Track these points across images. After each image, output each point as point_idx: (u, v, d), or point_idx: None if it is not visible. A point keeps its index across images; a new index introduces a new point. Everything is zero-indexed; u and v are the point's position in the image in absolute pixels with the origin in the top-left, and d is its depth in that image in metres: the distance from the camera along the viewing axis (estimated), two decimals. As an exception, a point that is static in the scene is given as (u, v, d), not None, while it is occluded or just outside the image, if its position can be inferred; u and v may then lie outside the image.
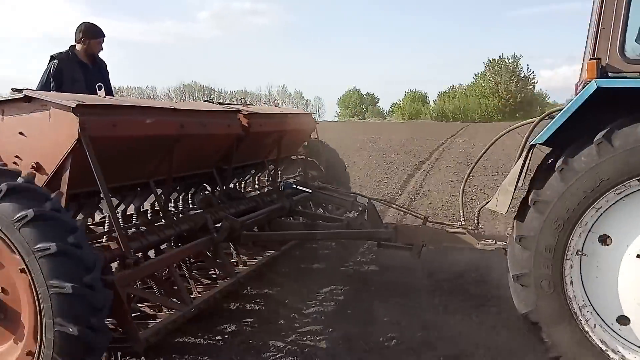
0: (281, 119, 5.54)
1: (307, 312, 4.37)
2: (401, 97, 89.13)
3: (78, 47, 5.09)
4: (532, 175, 3.56)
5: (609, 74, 3.16)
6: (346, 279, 5.14)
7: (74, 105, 2.88)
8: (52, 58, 4.89)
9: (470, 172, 4.48)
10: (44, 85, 4.79)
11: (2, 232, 2.60)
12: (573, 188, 2.98)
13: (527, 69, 71.84)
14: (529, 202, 3.15)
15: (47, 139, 3.04)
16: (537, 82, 73.65)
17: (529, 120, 3.90)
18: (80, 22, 5.19)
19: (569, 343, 3.10)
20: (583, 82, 3.47)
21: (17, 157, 3.07)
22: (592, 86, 2.97)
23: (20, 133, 3.05)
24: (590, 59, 3.15)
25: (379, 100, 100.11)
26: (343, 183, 6.41)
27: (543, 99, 74.39)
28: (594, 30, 3.30)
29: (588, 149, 2.96)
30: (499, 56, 71.99)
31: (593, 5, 4.33)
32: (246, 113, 4.77)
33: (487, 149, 4.30)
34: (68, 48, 5.06)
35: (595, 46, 3.23)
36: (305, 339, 3.89)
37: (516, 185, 3.36)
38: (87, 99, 3.18)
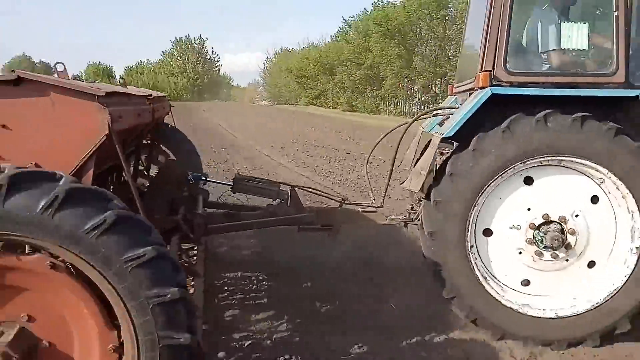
0: (160, 102, 5.04)
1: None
2: (83, 68, 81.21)
3: None
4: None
5: (494, 82, 3.98)
6: (248, 265, 5.20)
7: (103, 93, 2.39)
8: None
9: (369, 157, 5.19)
10: None
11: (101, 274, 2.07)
12: (461, 188, 3.84)
13: (212, 52, 75.74)
14: (432, 202, 3.93)
15: (50, 134, 2.42)
16: (221, 65, 78.41)
17: (416, 117, 4.86)
18: None
19: (480, 303, 3.96)
20: (476, 88, 4.15)
21: None
22: (488, 93, 3.83)
23: (4, 126, 2.36)
24: (483, 71, 4.02)
25: (54, 70, 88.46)
26: (196, 168, 6.07)
27: (228, 81, 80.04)
28: (482, 47, 4.11)
29: (466, 155, 3.82)
30: (186, 36, 73.51)
31: (466, 21, 5.45)
32: (151, 98, 4.26)
33: (382, 138, 5.05)
34: None
35: (483, 60, 4.06)
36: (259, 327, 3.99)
37: (428, 170, 4.09)
38: (102, 85, 2.54)
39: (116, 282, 2.07)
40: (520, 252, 4.03)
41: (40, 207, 1.96)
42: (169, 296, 2.09)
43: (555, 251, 3.95)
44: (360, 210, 4.93)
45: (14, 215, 1.96)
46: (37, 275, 2.13)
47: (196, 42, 72.61)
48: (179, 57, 71.14)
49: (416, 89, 47.07)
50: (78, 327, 2.22)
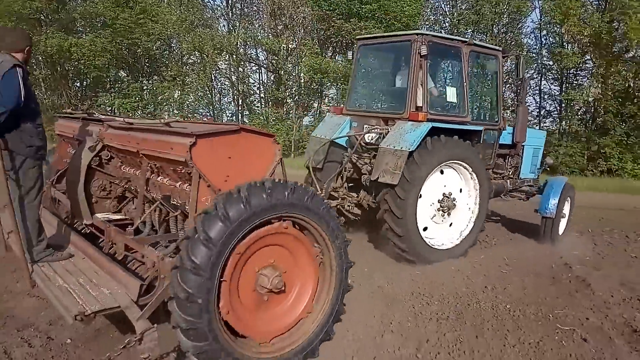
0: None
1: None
2: None
3: (19, 56, 4.17)
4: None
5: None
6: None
7: (274, 136, 3.93)
8: (15, 66, 3.99)
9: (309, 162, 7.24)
10: (19, 95, 3.97)
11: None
12: (418, 177, 6.16)
13: None
14: (400, 187, 6.12)
15: (252, 162, 3.80)
16: None
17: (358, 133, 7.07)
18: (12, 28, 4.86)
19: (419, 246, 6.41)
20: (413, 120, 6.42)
21: (224, 178, 3.69)
22: (429, 125, 6.21)
23: (229, 158, 3.69)
24: (421, 112, 6.35)
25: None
26: None
27: None
28: (411, 95, 6.47)
29: (419, 158, 6.18)
30: None
31: (357, 67, 7.96)
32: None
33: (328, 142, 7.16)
34: (10, 54, 4.11)
35: (410, 103, 6.48)
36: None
37: (402, 169, 6.04)
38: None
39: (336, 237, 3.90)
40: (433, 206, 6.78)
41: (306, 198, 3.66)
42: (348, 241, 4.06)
43: (447, 212, 6.89)
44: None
45: (300, 203, 3.60)
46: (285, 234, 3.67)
47: None
48: None
49: None
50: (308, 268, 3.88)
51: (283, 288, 3.64)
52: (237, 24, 27.85)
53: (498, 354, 4.14)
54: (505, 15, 24.91)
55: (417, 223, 6.34)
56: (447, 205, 6.80)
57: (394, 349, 4.14)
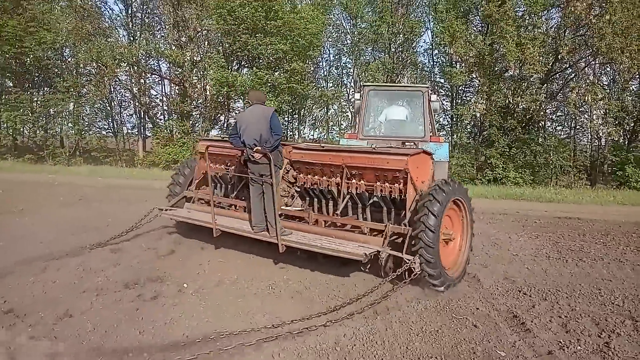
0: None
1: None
2: None
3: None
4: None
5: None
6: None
7: (432, 154, 6.78)
8: (274, 110, 6.68)
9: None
10: (281, 128, 6.66)
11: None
12: None
13: None
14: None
15: (424, 169, 6.44)
16: None
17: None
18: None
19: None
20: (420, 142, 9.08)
21: (417, 178, 6.21)
22: (447, 144, 9.67)
23: (417, 167, 6.26)
24: (438, 135, 9.93)
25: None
26: None
27: None
28: (425, 127, 9.41)
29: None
30: None
31: (366, 102, 10.01)
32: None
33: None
34: (260, 104, 6.74)
35: (427, 130, 9.42)
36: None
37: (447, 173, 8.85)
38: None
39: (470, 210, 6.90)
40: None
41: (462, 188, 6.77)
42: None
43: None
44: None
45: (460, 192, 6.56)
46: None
47: None
48: None
49: None
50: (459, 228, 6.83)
51: (452, 238, 6.54)
52: (138, 35, 27.15)
53: (405, 342, 4.63)
54: (400, 35, 26.67)
55: None
56: None
57: (315, 344, 4.48)
